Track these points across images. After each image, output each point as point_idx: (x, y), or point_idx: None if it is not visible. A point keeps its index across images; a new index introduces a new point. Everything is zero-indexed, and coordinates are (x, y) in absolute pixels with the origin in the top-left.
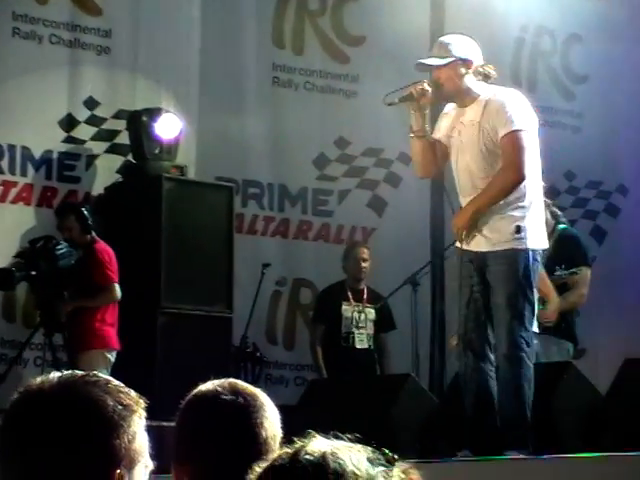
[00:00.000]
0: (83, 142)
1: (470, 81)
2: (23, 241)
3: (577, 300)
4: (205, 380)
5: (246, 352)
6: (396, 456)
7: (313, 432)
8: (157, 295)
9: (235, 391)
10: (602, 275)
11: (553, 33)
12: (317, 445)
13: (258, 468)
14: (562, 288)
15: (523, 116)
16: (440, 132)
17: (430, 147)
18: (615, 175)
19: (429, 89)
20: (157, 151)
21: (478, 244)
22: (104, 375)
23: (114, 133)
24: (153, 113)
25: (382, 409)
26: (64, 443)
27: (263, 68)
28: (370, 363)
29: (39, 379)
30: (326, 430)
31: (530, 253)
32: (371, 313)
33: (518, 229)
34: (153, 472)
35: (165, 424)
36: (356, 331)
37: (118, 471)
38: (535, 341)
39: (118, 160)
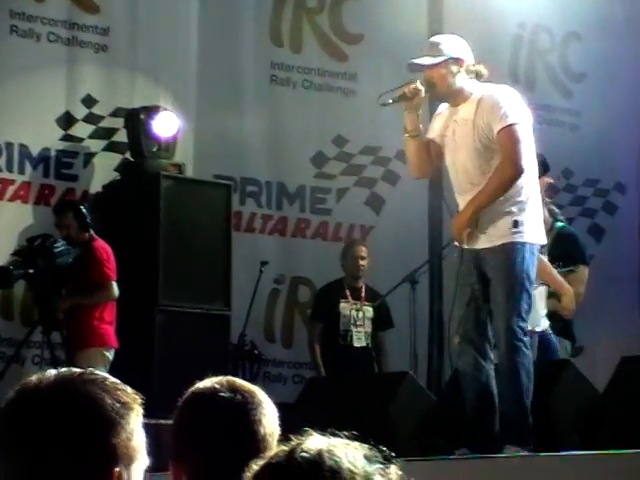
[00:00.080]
0: (81, 140)
1: (462, 79)
2: (21, 239)
3: (574, 298)
4: (203, 378)
5: (244, 350)
6: (393, 454)
7: (310, 430)
8: (155, 293)
9: (233, 388)
10: (600, 273)
11: (551, 31)
12: (314, 442)
13: (255, 465)
14: None
15: (517, 110)
16: (434, 132)
17: (424, 147)
18: (613, 173)
19: (422, 88)
20: (155, 149)
21: (477, 241)
22: (101, 372)
23: (112, 131)
24: (151, 111)
25: (380, 407)
26: (63, 442)
27: (261, 66)
28: (368, 361)
29: (35, 377)
30: (324, 428)
31: (527, 247)
32: (369, 311)
33: (516, 223)
34: (151, 470)
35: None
36: (354, 329)
37: (117, 469)
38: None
39: (116, 158)
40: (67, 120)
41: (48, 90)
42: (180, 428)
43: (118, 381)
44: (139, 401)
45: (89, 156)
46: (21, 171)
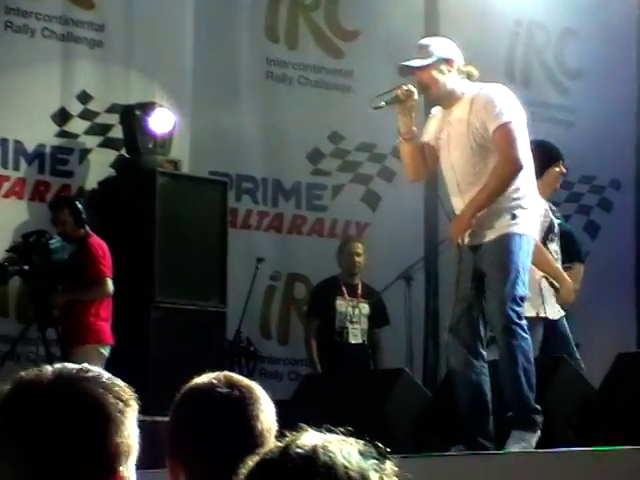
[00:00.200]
0: (76, 136)
1: (454, 80)
2: (16, 235)
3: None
4: (199, 375)
5: (240, 347)
6: (389, 450)
7: (305, 426)
8: (151, 290)
9: (230, 384)
10: (595, 270)
11: (547, 28)
12: (308, 438)
13: (250, 461)
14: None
15: (511, 108)
16: (428, 135)
17: (419, 150)
18: (608, 170)
19: (415, 90)
20: (151, 145)
21: (475, 238)
22: (96, 368)
23: (107, 127)
24: (147, 107)
25: (376, 404)
26: (66, 441)
27: (257, 62)
28: (364, 358)
29: (31, 372)
30: (320, 425)
31: (524, 238)
32: (365, 308)
33: (514, 216)
34: (148, 466)
35: (159, 418)
36: (350, 326)
37: (121, 468)
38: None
39: (111, 154)
40: (62, 116)
41: (43, 86)
42: (177, 424)
43: (113, 377)
44: (134, 396)
45: (84, 152)
46: (16, 167)
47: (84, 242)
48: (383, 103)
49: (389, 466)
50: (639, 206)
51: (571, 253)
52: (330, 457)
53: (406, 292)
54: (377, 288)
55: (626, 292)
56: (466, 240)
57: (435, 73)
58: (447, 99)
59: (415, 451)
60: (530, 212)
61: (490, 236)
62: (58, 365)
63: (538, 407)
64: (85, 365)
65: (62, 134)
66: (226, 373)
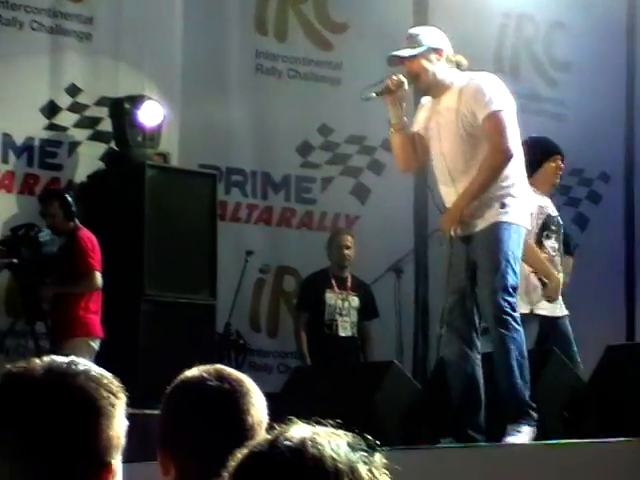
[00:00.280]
0: (65, 129)
1: (443, 69)
2: (5, 229)
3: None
4: (188, 368)
5: (229, 340)
6: (378, 442)
7: (295, 419)
8: (140, 283)
9: (221, 377)
10: (584, 262)
11: (536, 20)
12: (297, 431)
13: (239, 454)
14: None
15: (501, 97)
16: (418, 125)
17: (410, 140)
18: (597, 162)
19: (405, 80)
20: (140, 138)
21: (466, 228)
22: (85, 361)
23: (96, 120)
24: (136, 100)
25: (366, 396)
26: (59, 436)
27: (246, 55)
28: (354, 351)
29: (20, 365)
30: (309, 417)
31: (514, 227)
32: (355, 301)
33: (503, 205)
34: (139, 459)
35: (148, 412)
36: (340, 319)
37: (113, 461)
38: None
39: (101, 147)
40: (51, 109)
41: (32, 79)
42: (168, 417)
43: (101, 370)
44: (122, 389)
45: (74, 145)
46: (5, 160)
47: (73, 235)
48: (374, 94)
49: (378, 458)
50: (628, 199)
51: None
52: (318, 449)
53: (396, 284)
54: (367, 281)
55: (615, 284)
56: (458, 231)
57: (424, 62)
58: (436, 88)
59: (405, 444)
60: (520, 201)
61: (480, 226)
62: (47, 358)
63: (533, 404)
64: (74, 358)
65: (51, 127)
66: (217, 366)
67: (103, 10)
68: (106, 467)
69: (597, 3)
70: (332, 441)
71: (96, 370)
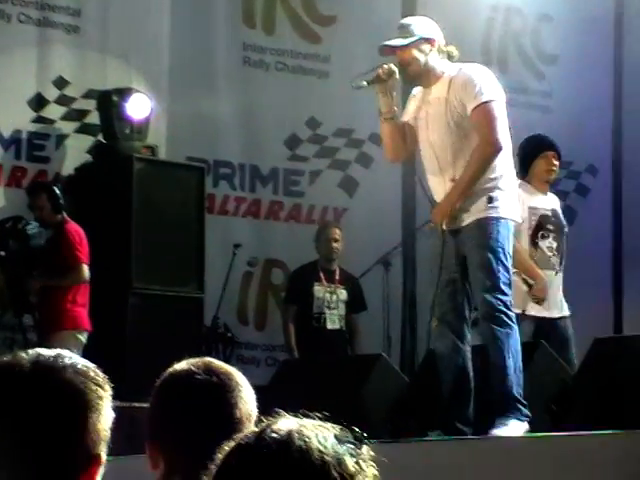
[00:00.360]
0: (53, 122)
1: (434, 59)
2: None
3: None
4: (176, 361)
5: (217, 333)
6: (365, 435)
7: (282, 411)
8: (128, 276)
9: (209, 370)
10: (572, 255)
11: (523, 13)
12: (284, 423)
13: (226, 447)
14: None
15: (491, 87)
16: (408, 114)
17: (399, 130)
18: (585, 155)
19: (396, 70)
20: (127, 131)
21: (455, 221)
22: (71, 354)
23: (84, 113)
24: (123, 93)
25: (353, 389)
26: (50, 428)
27: (234, 48)
28: (342, 343)
29: (8, 358)
30: (297, 410)
31: (502, 222)
32: (343, 294)
33: (490, 199)
34: (127, 452)
35: (136, 404)
36: (327, 312)
37: (102, 453)
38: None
39: (88, 140)
40: (38, 102)
41: (19, 71)
42: (156, 410)
43: (87, 362)
44: (108, 381)
45: (61, 138)
46: None
47: (61, 228)
48: (364, 82)
49: (365, 451)
50: (615, 192)
51: None
52: (305, 441)
53: (384, 277)
54: (355, 274)
55: (603, 277)
56: (445, 224)
57: (416, 52)
58: (427, 78)
59: (392, 436)
60: (508, 194)
61: (468, 220)
62: (33, 351)
63: (524, 401)
64: (60, 351)
65: (38, 120)
66: (205, 359)
67: (91, 3)
68: (95, 459)
69: None
70: (319, 433)
71: (82, 363)
